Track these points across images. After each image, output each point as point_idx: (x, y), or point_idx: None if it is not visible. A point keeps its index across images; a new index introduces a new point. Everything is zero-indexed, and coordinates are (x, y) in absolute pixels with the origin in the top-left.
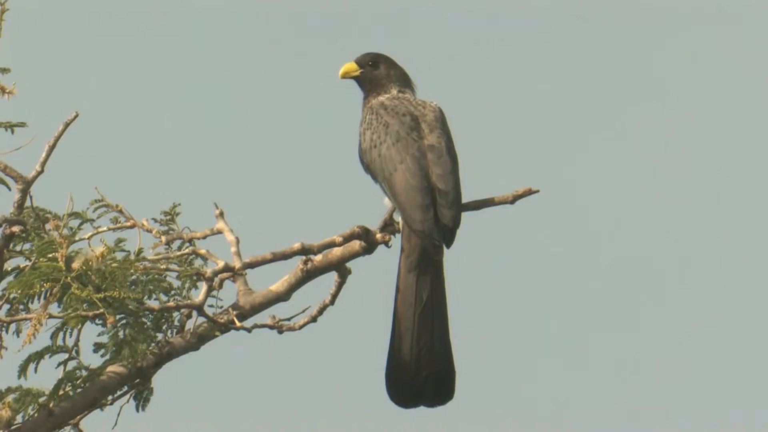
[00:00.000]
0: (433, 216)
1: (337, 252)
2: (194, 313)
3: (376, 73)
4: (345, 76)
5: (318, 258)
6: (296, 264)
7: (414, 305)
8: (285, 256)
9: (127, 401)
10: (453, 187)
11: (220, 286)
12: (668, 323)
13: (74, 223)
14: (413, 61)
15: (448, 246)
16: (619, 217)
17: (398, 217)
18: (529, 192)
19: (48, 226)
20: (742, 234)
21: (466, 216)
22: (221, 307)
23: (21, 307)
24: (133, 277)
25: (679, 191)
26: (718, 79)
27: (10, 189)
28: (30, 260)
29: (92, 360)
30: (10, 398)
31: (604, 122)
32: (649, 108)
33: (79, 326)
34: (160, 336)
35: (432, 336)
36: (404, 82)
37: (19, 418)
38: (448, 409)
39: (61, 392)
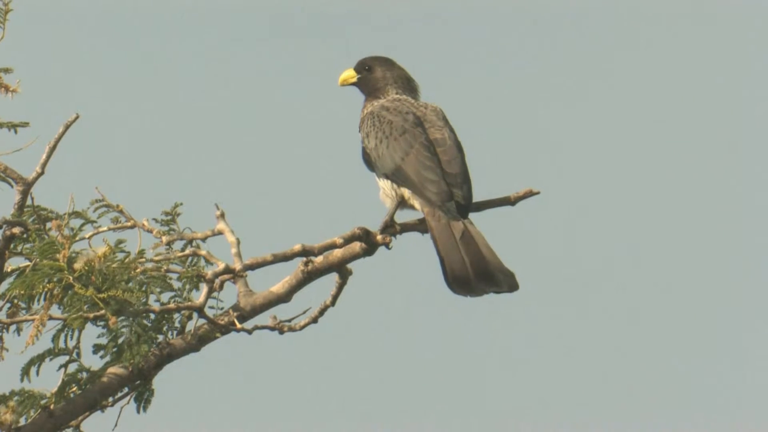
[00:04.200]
0: (447, 189)
1: (337, 253)
2: (195, 315)
3: (373, 77)
4: (344, 83)
5: (319, 259)
6: (297, 265)
7: (453, 235)
8: (286, 258)
9: (128, 402)
10: (462, 170)
11: (221, 287)
12: (667, 321)
13: (75, 223)
14: (413, 61)
15: None
16: (619, 218)
17: (397, 218)
18: (530, 193)
19: (49, 226)
20: (742, 234)
21: None
22: (222, 308)
23: (22, 305)
24: (136, 278)
25: (680, 191)
26: (718, 80)
27: (12, 186)
28: (30, 261)
29: (92, 362)
30: (13, 401)
31: (604, 121)
32: (649, 107)
33: (82, 327)
34: (160, 337)
35: (478, 246)
36: (403, 82)
37: (22, 421)
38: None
39: (64, 394)
